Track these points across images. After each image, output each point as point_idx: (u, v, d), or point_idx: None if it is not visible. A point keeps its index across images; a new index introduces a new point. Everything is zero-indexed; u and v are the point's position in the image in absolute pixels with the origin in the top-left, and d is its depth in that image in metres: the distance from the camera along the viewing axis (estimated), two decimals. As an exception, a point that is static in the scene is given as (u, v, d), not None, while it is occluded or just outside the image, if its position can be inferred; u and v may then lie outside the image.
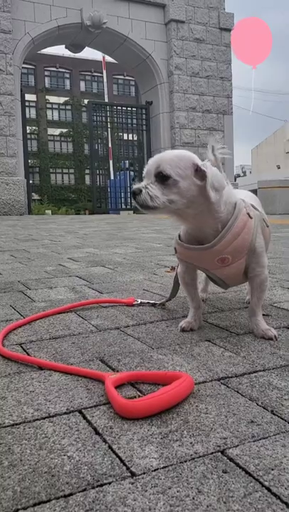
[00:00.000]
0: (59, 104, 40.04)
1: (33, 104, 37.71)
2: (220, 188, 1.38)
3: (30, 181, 12.75)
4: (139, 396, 1.07)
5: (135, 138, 14.22)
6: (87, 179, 36.68)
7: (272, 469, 0.79)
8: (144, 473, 0.79)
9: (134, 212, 12.79)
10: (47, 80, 39.95)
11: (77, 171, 39.74)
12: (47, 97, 39.36)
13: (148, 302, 1.93)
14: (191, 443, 0.88)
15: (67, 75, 40.60)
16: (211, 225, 1.45)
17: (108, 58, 18.82)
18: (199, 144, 12.52)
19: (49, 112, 39.76)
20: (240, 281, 1.65)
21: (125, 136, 14.39)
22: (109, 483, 0.77)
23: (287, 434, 0.91)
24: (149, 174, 1.39)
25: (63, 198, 37.98)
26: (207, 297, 2.05)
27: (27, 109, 13.07)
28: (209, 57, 12.99)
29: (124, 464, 0.82)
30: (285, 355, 1.34)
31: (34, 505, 0.72)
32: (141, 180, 1.44)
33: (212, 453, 0.85)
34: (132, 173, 14.22)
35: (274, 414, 0.99)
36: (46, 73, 39.73)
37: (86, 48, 13.67)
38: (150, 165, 1.40)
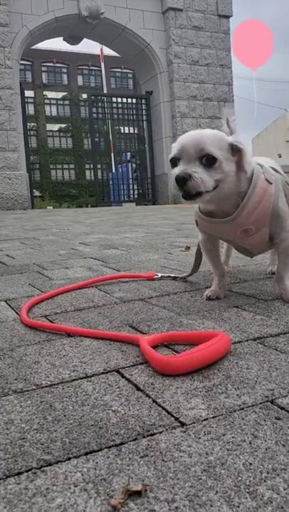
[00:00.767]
0: (57, 99, 39.85)
1: (31, 100, 37.51)
2: (249, 162, 1.36)
3: (32, 178, 12.70)
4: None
5: (136, 131, 14.14)
6: (88, 174, 36.63)
7: None
8: (194, 423, 0.77)
9: (136, 205, 12.74)
10: (44, 75, 39.74)
11: (77, 166, 39.61)
12: (45, 92, 39.17)
13: (169, 276, 1.91)
14: (237, 395, 0.86)
15: (65, 70, 40.38)
16: (233, 200, 1.41)
17: (105, 51, 18.73)
18: (201, 132, 12.40)
19: (47, 108, 39.58)
20: (266, 249, 1.62)
21: (126, 129, 14.30)
22: (160, 433, 0.74)
23: None
24: (189, 157, 1.29)
25: (64, 193, 37.88)
26: (228, 270, 2.01)
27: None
28: (208, 45, 12.87)
29: (172, 416, 0.80)
30: None
31: (86, 454, 0.69)
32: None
33: (261, 403, 0.82)
34: (133, 165, 14.14)
35: None
36: (43, 69, 39.51)
37: (83, 41, 13.58)
38: (188, 146, 1.29)
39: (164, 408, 0.82)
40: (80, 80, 40.74)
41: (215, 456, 0.67)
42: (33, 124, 36.31)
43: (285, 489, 0.59)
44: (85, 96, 28.47)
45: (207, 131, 1.37)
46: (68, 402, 0.86)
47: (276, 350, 1.07)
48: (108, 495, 0.59)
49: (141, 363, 1.02)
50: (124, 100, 13.61)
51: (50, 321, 1.40)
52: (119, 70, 39.70)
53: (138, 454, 0.68)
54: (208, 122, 12.53)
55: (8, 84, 10.94)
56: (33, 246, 3.39)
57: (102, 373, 0.99)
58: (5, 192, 10.90)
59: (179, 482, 0.61)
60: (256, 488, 0.60)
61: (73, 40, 13.31)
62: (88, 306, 1.55)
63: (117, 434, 0.75)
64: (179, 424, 0.77)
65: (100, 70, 23.94)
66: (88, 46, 40.68)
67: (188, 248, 2.74)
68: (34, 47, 15.09)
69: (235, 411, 0.80)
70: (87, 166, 37.05)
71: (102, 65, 19.89)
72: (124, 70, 39.43)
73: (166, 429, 0.75)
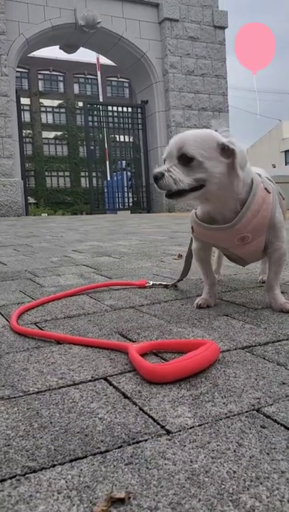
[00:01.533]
0: (53, 107, 39.94)
1: (27, 107, 37.59)
2: (244, 165, 1.36)
3: (26, 185, 12.70)
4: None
5: (131, 139, 14.19)
6: (83, 182, 36.63)
7: (313, 423, 0.77)
8: (179, 431, 0.77)
9: (131, 212, 12.76)
10: (40, 83, 39.86)
11: (72, 174, 39.64)
12: (41, 100, 39.26)
13: (160, 284, 1.91)
14: (224, 403, 0.86)
15: (61, 78, 40.53)
16: (231, 205, 1.42)
17: (101, 60, 18.83)
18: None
19: (43, 116, 39.66)
20: (259, 258, 1.63)
21: (122, 137, 14.36)
22: (146, 440, 0.74)
23: None
24: (171, 156, 1.33)
25: (59, 201, 37.86)
26: (219, 279, 2.02)
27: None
28: (204, 55, 12.98)
29: (158, 423, 0.80)
30: (307, 325, 1.32)
31: (71, 461, 0.69)
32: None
33: (247, 411, 0.83)
34: (128, 173, 14.19)
35: (305, 375, 0.97)
36: (40, 77, 39.64)
37: (79, 50, 13.65)
38: (171, 146, 1.34)
39: (150, 416, 0.82)
40: (76, 88, 40.90)
41: (199, 464, 0.67)
42: (28, 131, 36.33)
43: (267, 497, 0.59)
44: (80, 104, 28.60)
45: (194, 131, 1.38)
46: (55, 409, 0.86)
47: (264, 358, 1.08)
48: (91, 502, 0.59)
49: (129, 371, 1.02)
50: (120, 109, 13.67)
51: (40, 328, 1.40)
52: (116, 78, 39.90)
53: (123, 462, 0.68)
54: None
55: (4, 91, 10.97)
56: (25, 253, 3.39)
57: (90, 381, 0.99)
58: (-1, 198, 10.88)
59: (162, 490, 0.61)
60: (239, 496, 0.60)
61: (70, 48, 13.38)
62: (78, 314, 1.55)
63: (102, 441, 0.74)
64: (164, 432, 0.77)
65: (96, 79, 24.07)
66: (85, 55, 40.99)
67: (180, 256, 2.75)
68: (31, 55, 15.16)
69: (221, 419, 0.80)
70: (82, 174, 37.04)
71: (99, 73, 20.00)
72: (121, 79, 39.64)
73: (152, 437, 0.75)
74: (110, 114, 13.50)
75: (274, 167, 36.90)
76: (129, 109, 13.80)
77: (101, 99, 19.87)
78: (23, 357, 1.15)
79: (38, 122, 38.85)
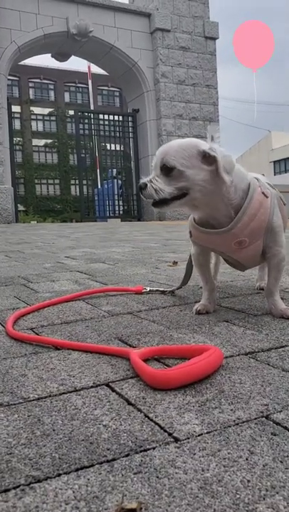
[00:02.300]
0: (43, 115, 39.93)
1: (18, 115, 37.55)
2: (231, 170, 1.35)
3: (16, 192, 12.65)
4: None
5: (122, 148, 14.20)
6: (73, 190, 36.56)
7: None
8: (188, 438, 0.74)
9: (121, 220, 12.74)
10: (31, 91, 39.87)
11: (62, 182, 39.57)
12: (31, 108, 39.25)
13: (157, 290, 1.89)
14: (231, 410, 0.84)
15: (52, 87, 40.58)
16: (223, 211, 1.41)
17: (93, 69, 18.88)
18: (186, 151, 12.50)
19: (34, 123, 39.61)
20: (257, 263, 1.61)
21: (112, 146, 14.36)
22: (154, 448, 0.72)
23: None
24: (156, 167, 1.37)
25: (49, 208, 37.73)
26: (216, 285, 2.00)
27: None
28: (195, 66, 13.07)
29: (165, 431, 0.77)
30: (308, 332, 1.31)
31: (77, 470, 0.66)
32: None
33: (256, 418, 0.80)
34: (119, 181, 14.18)
35: (312, 381, 0.95)
36: (30, 85, 39.66)
37: (70, 58, 13.67)
38: (156, 158, 1.38)
39: (156, 423, 0.80)
40: (66, 97, 40.96)
41: (211, 472, 0.65)
42: (18, 138, 36.25)
43: (285, 507, 0.57)
44: (71, 112, 28.60)
45: (177, 141, 1.40)
46: (57, 416, 0.83)
47: (268, 365, 1.06)
48: (101, 513, 0.56)
49: (131, 377, 1.00)
50: (111, 117, 13.69)
51: (37, 334, 1.36)
52: (107, 87, 40.05)
53: (131, 471, 0.66)
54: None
55: (-5, 98, 10.93)
56: (17, 259, 3.35)
57: (92, 387, 0.96)
58: (-11, 205, 10.80)
59: (175, 500, 0.59)
60: (256, 506, 0.57)
61: (62, 57, 13.40)
62: (76, 319, 1.52)
63: (108, 449, 0.72)
64: (172, 439, 0.74)
65: (87, 88, 24.13)
66: (75, 63, 41.14)
67: (175, 263, 2.73)
68: (22, 63, 15.16)
69: (230, 426, 0.78)
70: (72, 182, 37.00)
71: (90, 82, 20.04)
72: (112, 88, 39.79)
73: (160, 445, 0.73)
74: (101, 122, 13.49)
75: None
76: (120, 118, 13.83)
77: (92, 108, 19.90)
78: (21, 363, 1.12)
79: (29, 130, 38.80)
